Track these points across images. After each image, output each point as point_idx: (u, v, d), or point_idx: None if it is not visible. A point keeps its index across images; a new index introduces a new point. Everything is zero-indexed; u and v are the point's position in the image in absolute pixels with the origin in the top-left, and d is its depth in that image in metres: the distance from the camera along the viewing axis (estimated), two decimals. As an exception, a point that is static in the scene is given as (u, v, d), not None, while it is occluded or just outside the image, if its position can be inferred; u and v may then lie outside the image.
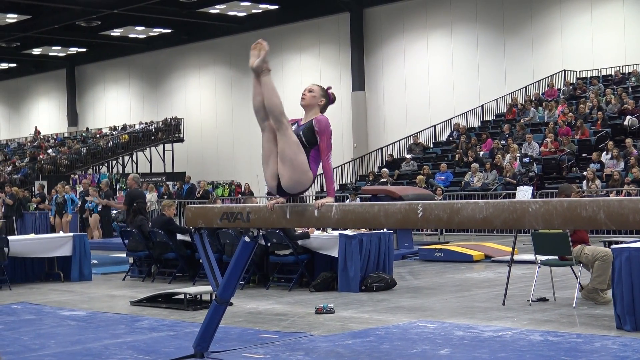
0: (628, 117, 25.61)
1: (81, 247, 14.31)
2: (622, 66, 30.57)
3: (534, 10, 33.27)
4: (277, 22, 39.84)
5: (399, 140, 32.51)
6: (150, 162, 41.85)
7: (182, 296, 10.84)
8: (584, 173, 22.68)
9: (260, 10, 39.64)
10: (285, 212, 6.17)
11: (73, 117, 52.12)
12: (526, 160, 24.91)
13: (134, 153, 42.19)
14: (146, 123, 43.73)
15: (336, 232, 12.25)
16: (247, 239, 6.97)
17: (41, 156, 41.48)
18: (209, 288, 9.99)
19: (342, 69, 38.18)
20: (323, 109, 6.44)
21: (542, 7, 33.08)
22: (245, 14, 40.32)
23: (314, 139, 6.22)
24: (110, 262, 16.74)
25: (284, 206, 6.27)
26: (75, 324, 9.78)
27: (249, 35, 41.50)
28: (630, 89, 28.58)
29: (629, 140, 23.86)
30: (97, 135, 45.03)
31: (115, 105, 49.99)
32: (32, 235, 15.82)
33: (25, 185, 36.11)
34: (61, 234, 15.77)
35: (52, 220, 20.77)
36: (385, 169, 28.19)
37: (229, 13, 40.06)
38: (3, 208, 26.17)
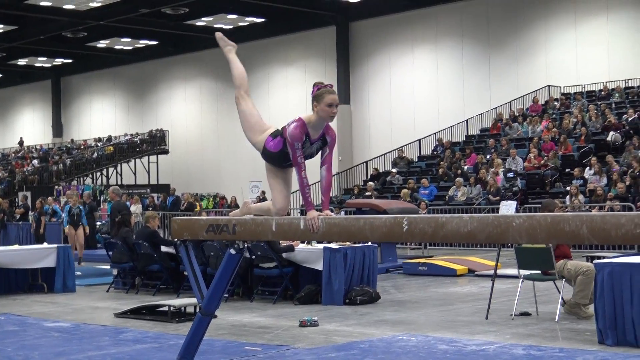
0: (611, 132, 25.78)
1: (65, 258, 14.27)
2: (606, 82, 30.78)
3: (518, 25, 33.48)
4: (263, 35, 39.92)
5: (384, 154, 32.61)
6: (134, 173, 41.80)
7: (166, 308, 10.84)
8: (568, 188, 22.80)
9: (247, 23, 39.70)
10: (271, 225, 6.20)
11: (58, 128, 51.99)
12: (510, 175, 25.02)
13: (119, 165, 42.14)
14: (131, 135, 43.70)
15: (321, 245, 12.28)
16: (232, 251, 6.98)
17: (25, 167, 41.35)
18: (193, 300, 9.99)
19: (327, 82, 38.24)
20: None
21: (527, 23, 33.29)
22: (232, 27, 40.35)
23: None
24: (94, 274, 16.70)
25: (270, 219, 6.29)
26: (59, 335, 9.76)
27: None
28: (613, 105, 28.77)
29: (609, 157, 24.01)
30: (82, 147, 44.95)
31: (100, 117, 49.90)
32: (16, 247, 15.76)
33: (9, 196, 36.00)
34: (45, 245, 15.71)
35: (66, 230, 20.68)
36: (370, 183, 28.26)
37: (216, 25, 40.08)
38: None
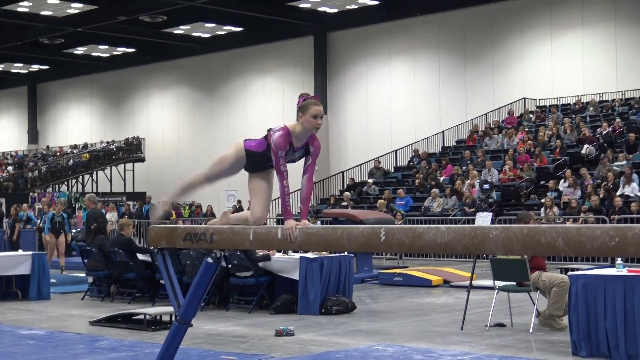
0: (586, 145, 25.97)
1: (40, 265, 14.20)
2: (581, 95, 31.03)
3: (495, 38, 33.71)
4: (241, 44, 39.92)
5: (361, 164, 32.66)
6: (110, 181, 41.63)
7: (141, 316, 10.81)
8: (542, 200, 22.94)
9: (225, 32, 39.72)
10: (249, 234, 6.21)
11: (34, 135, 51.70)
12: (486, 186, 25.14)
13: (95, 172, 41.95)
14: (107, 142, 43.54)
15: (297, 255, 12.29)
16: (210, 260, 6.98)
17: (0, 173, 41.09)
18: (168, 309, 9.98)
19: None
20: None
21: (504, 36, 33.52)
22: (209, 35, 40.39)
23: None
24: (69, 282, 16.61)
25: (248, 227, 6.30)
26: (33, 343, 9.72)
27: (213, 56, 41.60)
28: (588, 118, 29.00)
29: (583, 170, 24.19)
30: (58, 154, 44.72)
31: (76, 124, 49.66)
32: (-10, 253, 15.66)
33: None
34: (20, 252, 15.62)
35: (47, 238, 20.50)
36: (346, 193, 28.30)
37: (194, 34, 40.10)
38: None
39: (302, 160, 6.07)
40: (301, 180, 6.01)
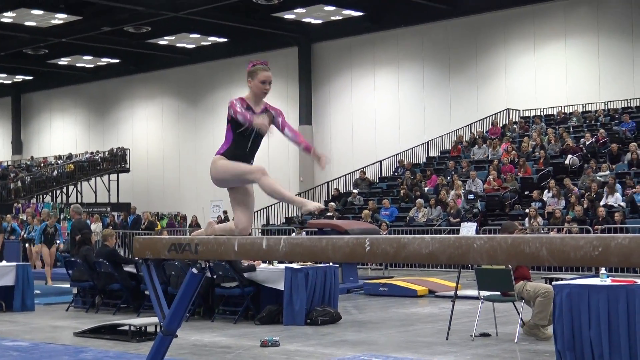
0: (569, 156, 26.11)
1: (24, 276, 14.14)
2: (564, 106, 31.20)
3: (479, 49, 33.85)
4: (226, 54, 39.94)
5: (346, 175, 32.70)
6: (95, 192, 41.51)
7: (126, 327, 10.78)
8: (527, 210, 23.02)
9: (209, 43, 39.74)
10: (234, 244, 6.21)
11: (17, 145, 51.51)
12: (470, 196, 25.20)
13: (79, 183, 41.82)
14: (92, 153, 43.41)
15: (282, 265, 12.29)
16: (194, 270, 6.98)
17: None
18: (153, 320, 9.96)
19: (289, 103, 38.36)
20: None
21: (487, 47, 33.68)
22: (194, 46, 40.40)
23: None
24: (53, 293, 16.55)
25: (232, 238, 6.30)
26: (17, 354, 9.67)
27: (197, 67, 41.60)
28: (571, 128, 29.14)
29: (567, 180, 24.31)
30: (42, 164, 44.57)
31: (61, 135, 49.54)
32: (-26, 265, 15.56)
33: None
34: (4, 263, 15.53)
35: (37, 249, 20.38)
36: (332, 203, 28.31)
37: (178, 45, 40.10)
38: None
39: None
40: (284, 135, 6.08)
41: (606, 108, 30.09)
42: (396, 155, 32.66)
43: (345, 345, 10.14)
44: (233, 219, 6.38)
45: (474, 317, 10.54)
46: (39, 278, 18.65)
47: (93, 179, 41.83)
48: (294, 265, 12.12)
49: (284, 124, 6.09)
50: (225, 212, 32.38)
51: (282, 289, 12.03)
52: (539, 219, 22.21)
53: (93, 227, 25.21)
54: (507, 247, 4.66)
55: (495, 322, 10.65)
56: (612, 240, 4.26)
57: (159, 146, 44.35)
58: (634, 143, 25.30)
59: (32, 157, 47.56)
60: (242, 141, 6.08)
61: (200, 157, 40.86)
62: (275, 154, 32.56)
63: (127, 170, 42.43)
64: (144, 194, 42.90)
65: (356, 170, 32.25)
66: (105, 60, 43.90)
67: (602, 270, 8.54)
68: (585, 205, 22.00)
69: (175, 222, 36.54)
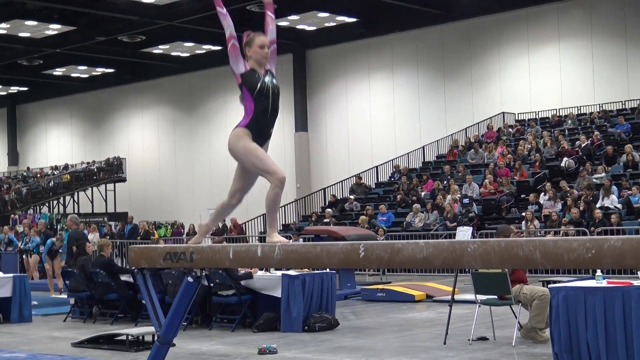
0: (565, 159, 26.13)
1: (21, 288, 14.12)
2: (559, 109, 31.25)
3: (473, 53, 33.90)
4: (220, 62, 39.81)
5: (342, 181, 32.70)
6: (92, 202, 41.48)
7: (124, 337, 10.77)
8: (523, 214, 23.04)
9: (204, 51, 39.74)
10: (229, 252, 6.21)
11: (13, 157, 51.48)
12: (466, 201, 25.21)
13: (76, 193, 41.79)
14: (88, 163, 43.38)
15: (279, 272, 12.29)
16: (190, 279, 6.98)
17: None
18: (151, 329, 9.95)
19: (285, 110, 38.33)
20: None
21: (482, 51, 33.72)
22: (188, 55, 40.42)
23: None
24: (50, 303, 16.53)
25: (227, 246, 6.31)
26: (15, 366, 9.67)
27: (192, 76, 41.62)
28: (566, 131, 29.16)
29: (563, 183, 24.35)
30: (38, 175, 44.53)
31: (57, 145, 49.52)
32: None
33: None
34: (1, 274, 15.50)
35: (35, 259, 20.37)
36: (328, 209, 28.31)
37: (173, 53, 40.12)
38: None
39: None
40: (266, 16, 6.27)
41: (601, 110, 30.13)
42: (392, 160, 32.67)
43: (343, 351, 10.14)
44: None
45: (472, 321, 10.54)
46: (36, 289, 18.62)
47: (90, 189, 41.80)
48: (291, 272, 12.12)
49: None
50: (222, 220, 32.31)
51: (280, 296, 12.02)
52: (536, 222, 22.23)
53: (90, 237, 25.15)
54: (500, 251, 4.67)
55: (492, 326, 10.66)
56: (605, 242, 4.26)
57: (155, 155, 44.34)
58: (629, 145, 25.33)
59: (28, 168, 47.52)
60: (262, 103, 6.11)
61: (196, 165, 40.87)
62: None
63: (123, 180, 42.40)
64: (141, 203, 42.86)
65: (352, 176, 32.25)
66: (100, 70, 43.90)
67: (598, 272, 8.55)
68: (581, 208, 22.02)
69: (173, 231, 36.47)
